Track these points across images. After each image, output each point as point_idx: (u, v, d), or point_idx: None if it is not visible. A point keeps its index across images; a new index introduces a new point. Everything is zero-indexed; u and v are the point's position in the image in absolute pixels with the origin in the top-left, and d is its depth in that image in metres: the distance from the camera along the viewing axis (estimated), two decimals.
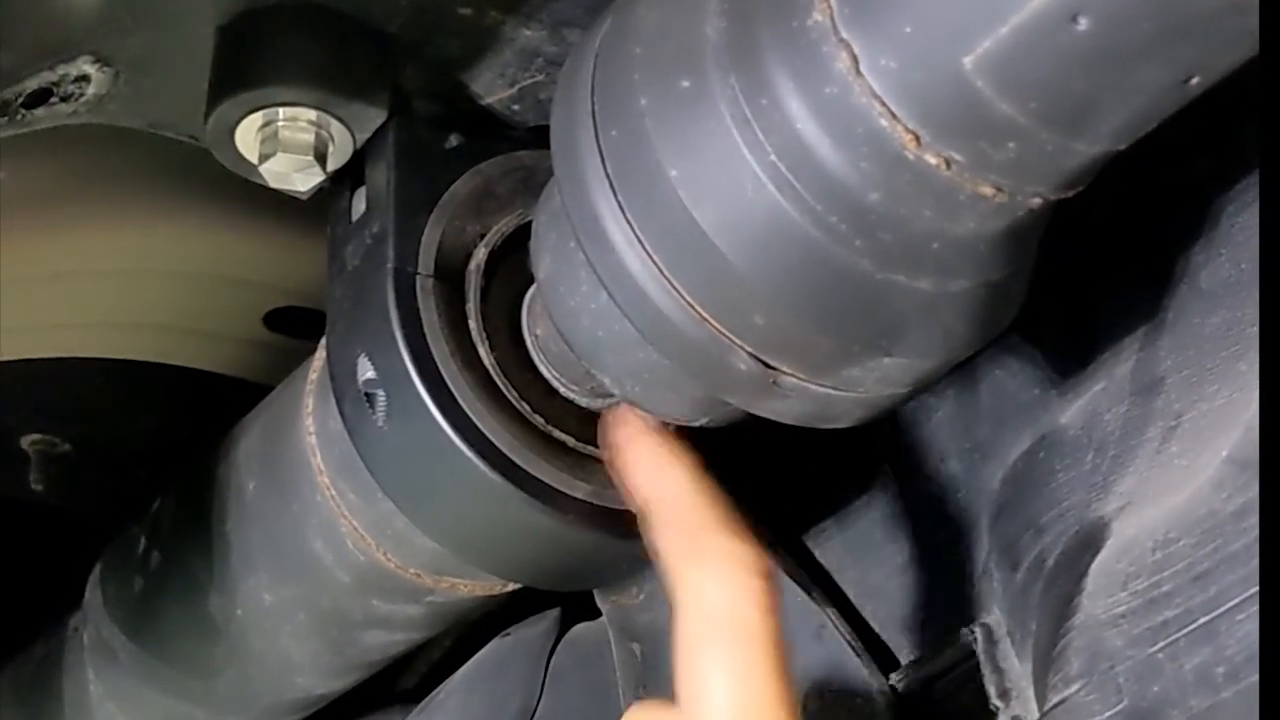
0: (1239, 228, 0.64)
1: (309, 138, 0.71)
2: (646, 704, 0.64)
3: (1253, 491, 0.56)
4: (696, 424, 0.69)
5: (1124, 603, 0.59)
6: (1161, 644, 0.57)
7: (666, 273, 0.56)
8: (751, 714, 0.58)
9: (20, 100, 0.68)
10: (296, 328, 0.99)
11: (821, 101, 0.52)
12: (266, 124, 0.71)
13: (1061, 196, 0.53)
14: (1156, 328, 0.66)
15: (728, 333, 0.57)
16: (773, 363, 0.58)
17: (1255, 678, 0.53)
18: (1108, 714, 0.57)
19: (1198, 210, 0.66)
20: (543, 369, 0.71)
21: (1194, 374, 0.64)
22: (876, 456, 0.80)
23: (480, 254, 0.71)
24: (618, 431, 0.68)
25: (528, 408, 0.69)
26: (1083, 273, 0.70)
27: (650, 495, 0.65)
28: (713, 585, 0.61)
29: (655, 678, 0.88)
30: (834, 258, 0.54)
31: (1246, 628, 0.54)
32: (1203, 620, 0.55)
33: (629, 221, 0.57)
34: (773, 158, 0.53)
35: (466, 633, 1.04)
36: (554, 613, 0.98)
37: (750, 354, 0.57)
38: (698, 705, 0.59)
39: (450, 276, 0.70)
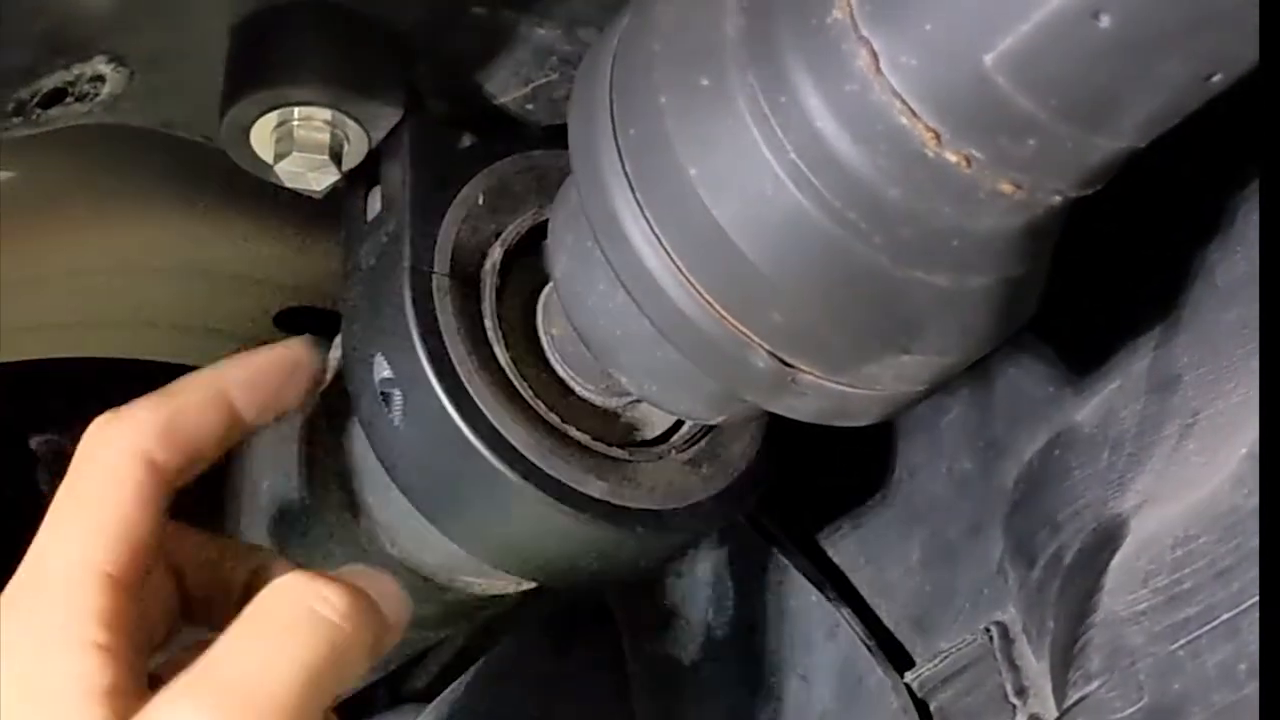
0: (1255, 224, 0.64)
1: (324, 137, 0.71)
2: None
3: None
4: (714, 421, 0.70)
5: (1144, 599, 0.59)
6: (1183, 641, 0.56)
7: (685, 271, 0.56)
8: None
9: (36, 100, 0.68)
10: (307, 328, 0.98)
11: (841, 99, 0.52)
12: (281, 123, 0.71)
13: (1081, 194, 0.53)
14: (1172, 325, 0.66)
15: (746, 330, 0.57)
16: (791, 360, 0.57)
17: None
18: (1129, 711, 0.57)
19: (1213, 206, 0.66)
20: (558, 368, 0.72)
21: (1211, 371, 0.63)
22: (890, 455, 0.80)
23: (496, 253, 0.71)
24: None
25: (543, 406, 0.69)
26: (1098, 270, 0.70)
27: None
28: None
29: (667, 677, 0.88)
30: (853, 255, 0.54)
31: None
32: (1225, 617, 0.55)
33: (647, 220, 0.57)
34: (792, 155, 0.53)
35: (478, 633, 1.04)
36: (567, 613, 0.98)
37: (769, 352, 0.57)
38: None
39: (466, 276, 0.70)
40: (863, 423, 0.62)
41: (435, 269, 0.69)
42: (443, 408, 0.66)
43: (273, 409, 0.69)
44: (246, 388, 0.67)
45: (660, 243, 0.56)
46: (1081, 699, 0.60)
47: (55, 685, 0.57)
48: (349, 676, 0.58)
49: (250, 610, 0.58)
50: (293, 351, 0.69)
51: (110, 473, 0.63)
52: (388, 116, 0.71)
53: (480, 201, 0.72)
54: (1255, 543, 0.55)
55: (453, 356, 0.67)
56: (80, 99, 0.70)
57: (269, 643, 0.57)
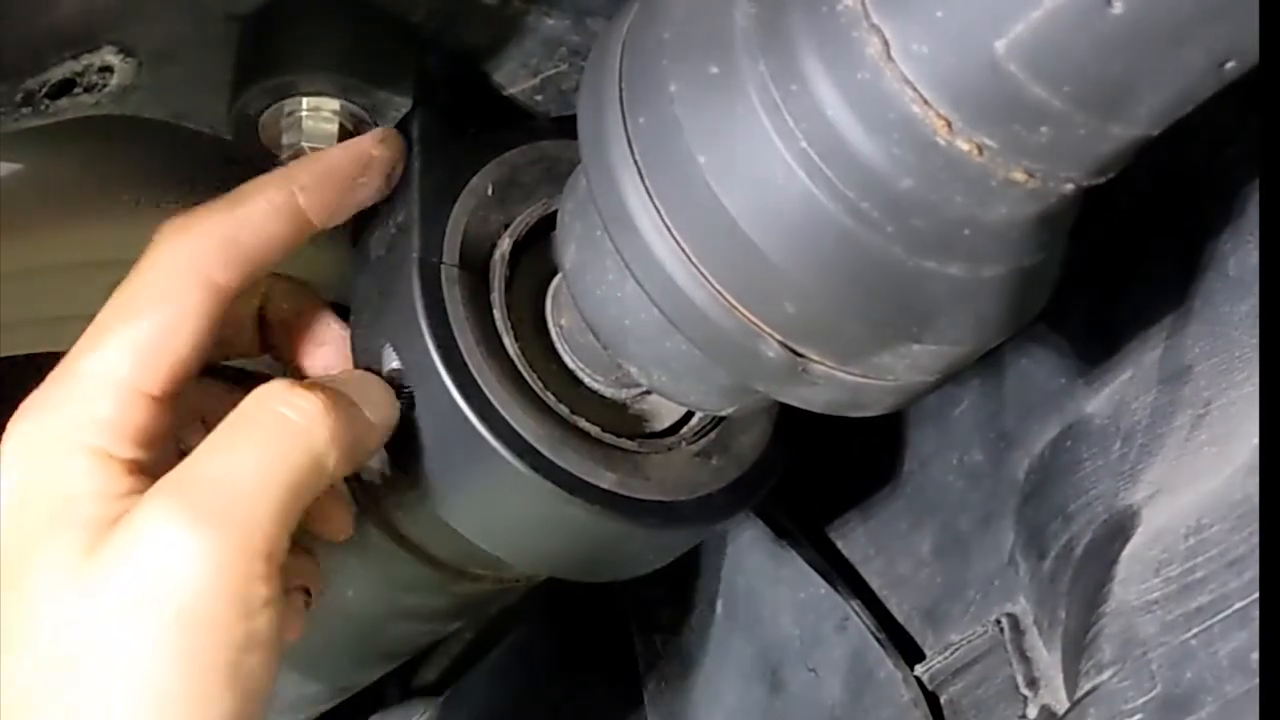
0: None
1: (332, 128, 0.71)
2: None
3: None
4: (724, 413, 0.69)
5: (1157, 589, 0.58)
6: (1195, 630, 0.56)
7: (695, 260, 0.56)
8: None
9: (44, 90, 0.68)
10: None
11: (852, 87, 0.51)
12: (290, 114, 0.71)
13: (1094, 182, 0.53)
14: (1184, 315, 0.66)
15: (757, 321, 0.56)
16: (802, 350, 0.57)
17: None
18: (1141, 701, 0.57)
19: (1226, 197, 0.65)
20: (567, 359, 0.71)
21: (1223, 362, 0.63)
22: (901, 446, 0.80)
23: (505, 244, 0.71)
24: None
25: (552, 398, 0.69)
26: (1110, 260, 0.70)
27: None
28: None
29: (677, 669, 0.88)
30: (865, 245, 0.53)
31: None
32: (1237, 606, 0.55)
33: (657, 208, 0.56)
34: (803, 144, 0.53)
35: (487, 626, 1.04)
36: (575, 606, 0.98)
37: (780, 342, 0.57)
38: None
39: (475, 266, 0.70)
40: (874, 413, 0.62)
41: (444, 259, 0.68)
42: (451, 398, 0.66)
43: (344, 209, 0.69)
44: (315, 190, 0.67)
45: (670, 232, 0.56)
46: (1093, 689, 0.60)
47: (53, 489, 0.59)
48: (323, 476, 0.61)
49: (231, 416, 0.60)
50: (363, 147, 0.69)
51: (163, 290, 0.63)
52: (396, 107, 0.71)
53: (489, 192, 0.72)
54: None
55: (461, 347, 0.67)
56: (89, 90, 0.70)
57: (241, 447, 0.59)
